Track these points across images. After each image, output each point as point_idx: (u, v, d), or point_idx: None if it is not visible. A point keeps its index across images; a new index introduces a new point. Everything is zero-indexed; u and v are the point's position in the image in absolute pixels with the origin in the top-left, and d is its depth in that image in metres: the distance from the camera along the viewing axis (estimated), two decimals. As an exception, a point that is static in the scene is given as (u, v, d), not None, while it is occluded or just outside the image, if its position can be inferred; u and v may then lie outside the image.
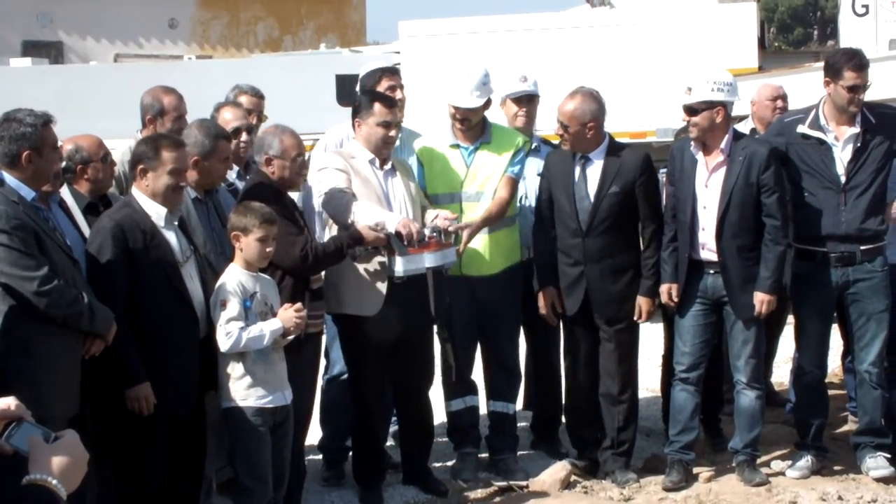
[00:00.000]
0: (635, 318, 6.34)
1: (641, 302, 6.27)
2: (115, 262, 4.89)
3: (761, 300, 6.06)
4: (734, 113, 6.35)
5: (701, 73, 6.31)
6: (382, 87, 6.42)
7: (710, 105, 6.07)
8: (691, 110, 6.12)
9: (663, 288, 6.29)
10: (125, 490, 5.02)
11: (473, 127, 6.44)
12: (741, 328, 6.18)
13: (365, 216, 5.75)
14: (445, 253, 5.99)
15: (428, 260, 5.90)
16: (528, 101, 6.87)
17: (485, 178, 6.42)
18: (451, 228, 6.00)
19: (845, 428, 7.05)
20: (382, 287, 5.91)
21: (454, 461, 6.65)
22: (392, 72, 6.67)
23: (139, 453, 4.98)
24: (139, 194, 5.05)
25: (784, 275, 6.20)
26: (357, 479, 6.24)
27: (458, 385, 6.58)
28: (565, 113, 6.18)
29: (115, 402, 4.86)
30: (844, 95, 6.04)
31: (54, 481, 2.42)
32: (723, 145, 6.14)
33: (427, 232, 5.88)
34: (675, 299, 6.28)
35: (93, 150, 5.39)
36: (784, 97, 7.48)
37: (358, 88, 6.59)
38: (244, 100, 6.79)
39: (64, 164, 5.20)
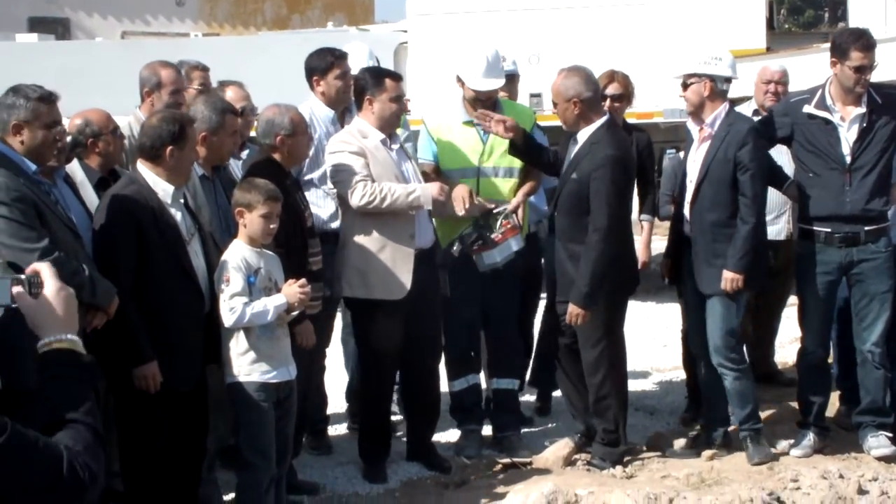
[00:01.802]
0: (568, 322, 6.08)
1: (571, 308, 6.01)
2: (123, 239, 4.89)
3: (726, 278, 6.06)
4: (738, 94, 6.36)
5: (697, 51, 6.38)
6: (334, 74, 6.38)
7: (697, 79, 6.17)
8: (684, 85, 6.27)
9: (663, 263, 6.39)
10: (128, 464, 5.05)
11: (487, 107, 6.45)
12: (713, 305, 6.19)
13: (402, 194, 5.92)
14: (519, 237, 6.37)
15: (514, 244, 6.34)
16: (508, 80, 6.97)
17: (503, 153, 6.46)
18: (511, 208, 6.36)
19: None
20: (409, 269, 5.97)
21: (458, 438, 6.67)
22: (342, 57, 6.54)
23: (141, 428, 5.00)
24: (145, 171, 5.04)
25: (751, 253, 6.04)
26: (363, 457, 6.26)
27: (461, 364, 6.60)
28: (552, 88, 6.20)
29: (118, 377, 4.88)
30: (851, 76, 6.03)
31: (69, 336, 2.45)
32: (709, 120, 6.18)
33: (500, 219, 6.28)
34: (666, 276, 6.37)
35: (102, 124, 5.39)
36: (780, 81, 7.36)
37: (304, 67, 6.51)
38: (196, 75, 6.81)
39: (71, 138, 5.21)
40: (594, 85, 6.18)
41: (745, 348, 6.55)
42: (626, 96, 7.13)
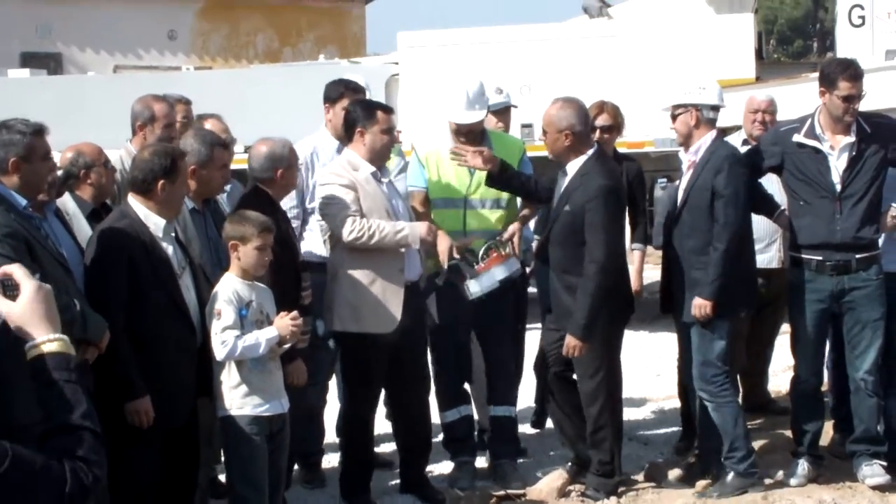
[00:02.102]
0: (565, 353, 6.07)
1: (568, 340, 5.99)
2: (114, 273, 4.87)
3: (695, 304, 6.07)
4: (728, 123, 6.38)
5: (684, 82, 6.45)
6: (341, 104, 6.44)
7: (684, 109, 6.22)
8: (673, 117, 6.32)
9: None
10: (120, 499, 5.01)
11: (474, 138, 6.47)
12: (692, 334, 6.22)
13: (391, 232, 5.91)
14: (509, 263, 6.33)
15: (498, 273, 6.28)
16: (503, 112, 7.11)
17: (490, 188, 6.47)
18: (506, 237, 6.39)
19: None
20: (399, 303, 5.97)
21: (451, 470, 6.65)
22: (355, 90, 6.66)
23: (133, 464, 4.97)
24: (137, 204, 5.04)
25: (721, 279, 6.00)
26: (347, 495, 6.20)
27: (452, 395, 6.59)
28: (544, 117, 6.22)
29: (109, 412, 4.85)
30: (839, 105, 6.07)
31: (56, 336, 2.42)
32: (693, 148, 6.24)
33: (483, 248, 6.28)
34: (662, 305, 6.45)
35: (94, 156, 5.42)
36: (767, 110, 7.38)
37: (322, 96, 6.69)
38: (180, 108, 6.84)
39: (63, 171, 5.22)
40: (586, 118, 6.21)
41: (735, 377, 6.53)
42: (615, 127, 7.18)
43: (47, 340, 2.40)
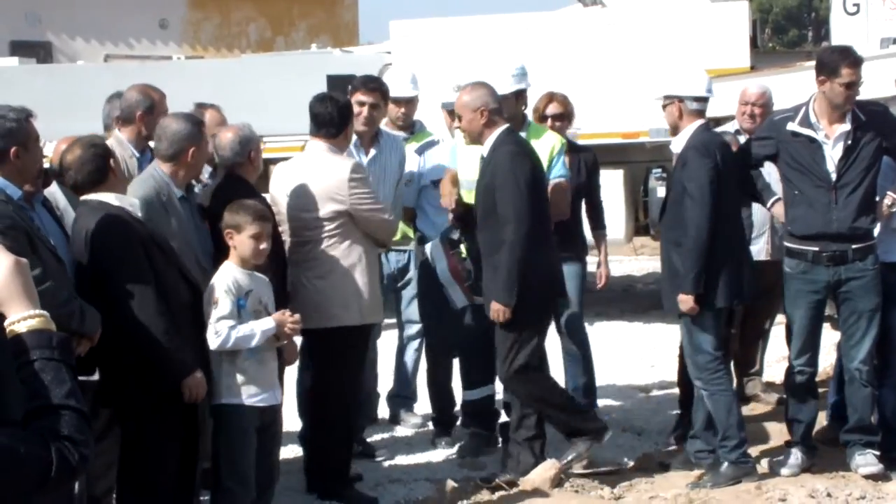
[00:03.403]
0: (493, 318, 6.07)
1: (493, 306, 6.01)
2: (137, 258, 4.80)
3: (679, 300, 6.10)
4: (723, 113, 6.37)
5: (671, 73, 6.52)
6: (354, 98, 6.59)
7: (669, 100, 6.26)
8: (663, 108, 6.36)
9: None
10: (146, 483, 4.93)
11: (515, 117, 6.52)
12: (681, 324, 6.28)
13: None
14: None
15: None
16: (410, 102, 7.37)
17: None
18: None
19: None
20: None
21: (464, 440, 6.80)
22: (368, 89, 6.70)
23: (156, 452, 4.89)
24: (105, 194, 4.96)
25: (692, 271, 6.02)
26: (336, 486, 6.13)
27: (478, 375, 6.77)
28: (457, 105, 6.24)
29: (132, 402, 4.83)
30: (841, 92, 6.03)
31: (36, 312, 2.31)
32: (678, 139, 6.29)
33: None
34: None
35: None
36: (757, 103, 7.36)
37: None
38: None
39: (50, 165, 5.15)
40: (497, 97, 6.20)
41: (729, 367, 6.53)
42: (566, 115, 7.29)
43: (28, 317, 2.30)
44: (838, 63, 6.04)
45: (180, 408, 4.90)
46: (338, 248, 5.97)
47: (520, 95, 6.66)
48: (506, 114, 6.35)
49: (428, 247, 6.71)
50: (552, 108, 7.21)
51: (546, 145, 6.61)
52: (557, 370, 6.99)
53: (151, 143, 5.90)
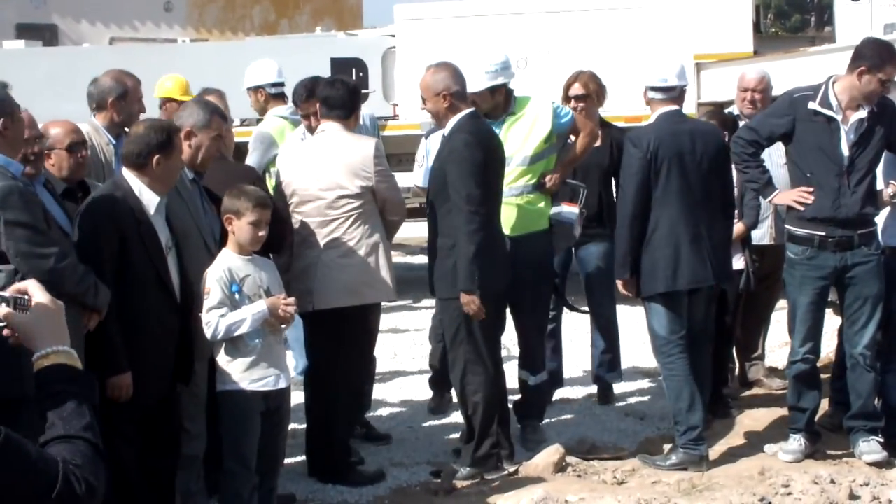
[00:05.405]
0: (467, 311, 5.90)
1: (462, 297, 5.86)
2: (106, 242, 4.80)
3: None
4: (725, 98, 6.35)
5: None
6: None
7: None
8: None
9: None
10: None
11: (497, 106, 6.49)
12: None
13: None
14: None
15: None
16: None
17: (516, 147, 6.44)
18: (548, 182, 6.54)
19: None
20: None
21: (521, 431, 6.75)
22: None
23: (112, 437, 4.89)
24: (131, 177, 4.96)
25: (622, 257, 6.23)
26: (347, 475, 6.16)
27: (542, 359, 6.78)
28: (421, 85, 6.14)
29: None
30: (877, 87, 6.02)
31: (62, 348, 2.42)
32: (644, 126, 6.45)
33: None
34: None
35: (59, 137, 5.25)
36: (757, 89, 7.35)
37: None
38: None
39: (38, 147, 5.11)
40: (461, 79, 6.11)
41: (730, 352, 6.57)
42: (589, 96, 7.21)
43: (53, 352, 2.41)
44: (886, 60, 6.00)
45: (136, 415, 4.85)
46: (362, 228, 6.01)
47: (496, 90, 6.47)
48: (483, 106, 6.35)
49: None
50: (574, 90, 7.18)
51: (537, 106, 6.53)
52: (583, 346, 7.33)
53: (127, 129, 5.88)
